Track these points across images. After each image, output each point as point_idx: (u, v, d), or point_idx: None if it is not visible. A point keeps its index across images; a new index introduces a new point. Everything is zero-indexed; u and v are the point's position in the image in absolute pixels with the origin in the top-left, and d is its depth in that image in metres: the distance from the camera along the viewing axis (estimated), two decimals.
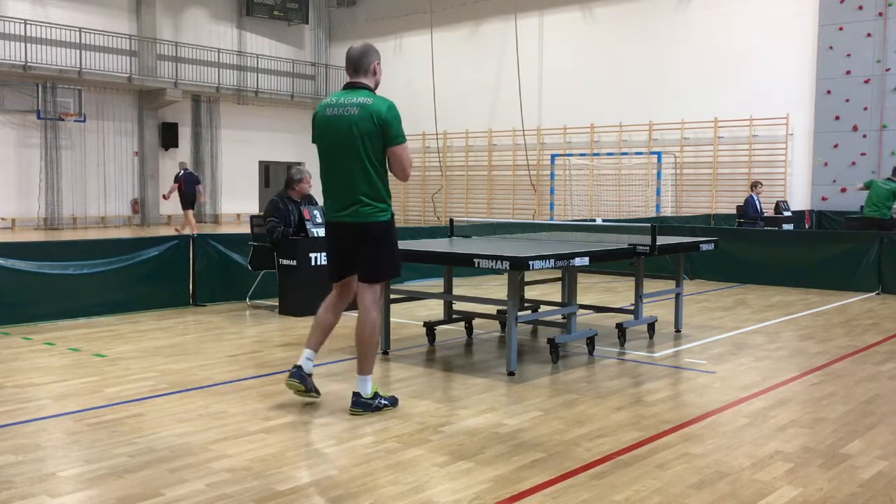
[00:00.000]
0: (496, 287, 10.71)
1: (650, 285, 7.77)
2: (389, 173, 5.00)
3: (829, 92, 19.88)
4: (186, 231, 18.27)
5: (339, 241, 5.05)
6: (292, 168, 9.45)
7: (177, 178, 19.88)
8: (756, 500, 3.62)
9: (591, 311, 8.19)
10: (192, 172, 20.77)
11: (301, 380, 4.98)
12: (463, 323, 7.58)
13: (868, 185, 14.34)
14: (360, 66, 5.00)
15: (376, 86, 5.04)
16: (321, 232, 8.52)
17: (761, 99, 20.89)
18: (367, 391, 4.91)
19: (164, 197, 20.89)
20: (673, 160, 22.45)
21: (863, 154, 19.47)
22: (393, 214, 5.03)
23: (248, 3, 28.41)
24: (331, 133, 4.90)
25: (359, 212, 4.88)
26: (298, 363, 5.03)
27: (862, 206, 14.52)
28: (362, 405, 4.89)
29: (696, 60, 21.98)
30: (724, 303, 9.87)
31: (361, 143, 4.79)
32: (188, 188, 19.62)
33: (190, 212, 19.83)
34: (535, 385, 5.71)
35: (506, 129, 25.98)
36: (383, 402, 4.97)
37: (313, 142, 5.08)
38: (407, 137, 4.92)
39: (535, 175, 25.27)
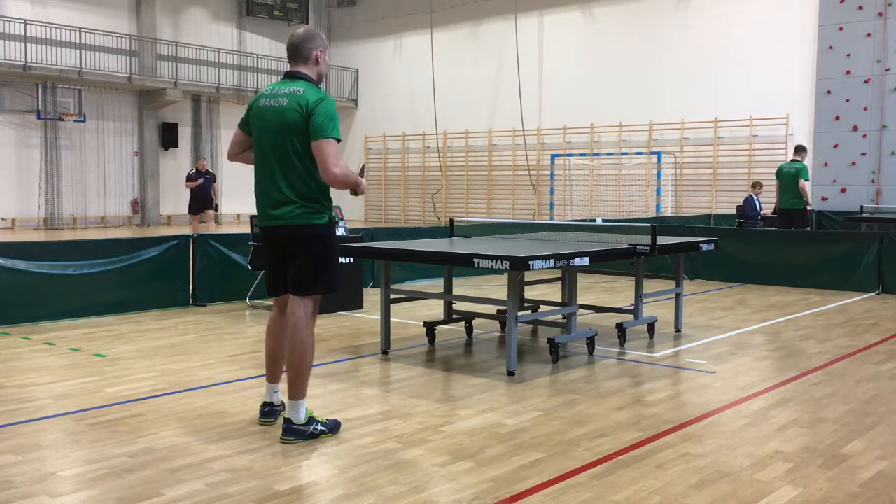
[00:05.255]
0: (496, 287, 10.71)
1: (650, 285, 7.77)
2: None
3: (829, 92, 19.87)
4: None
5: (271, 248, 4.57)
6: None
7: (189, 177, 17.14)
8: (756, 500, 3.62)
9: (591, 311, 8.19)
10: (208, 172, 17.29)
11: (274, 418, 4.69)
12: (463, 323, 7.57)
13: (777, 174, 13.80)
14: (300, 52, 4.50)
15: (320, 78, 4.55)
16: None
17: (761, 99, 20.88)
18: (300, 417, 4.41)
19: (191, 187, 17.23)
20: (673, 160, 22.45)
21: (863, 154, 19.46)
22: (332, 219, 4.51)
23: (248, 3, 28.39)
24: (260, 126, 4.46)
25: (291, 213, 4.38)
26: (267, 399, 4.73)
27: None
28: (294, 433, 4.38)
29: (696, 60, 21.96)
30: (724, 303, 9.87)
31: (288, 137, 4.34)
32: (204, 190, 16.78)
33: (195, 217, 16.92)
34: (535, 385, 5.71)
35: (506, 129, 25.98)
36: (320, 427, 4.45)
37: (239, 125, 4.65)
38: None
39: (535, 175, 25.27)
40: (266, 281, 4.75)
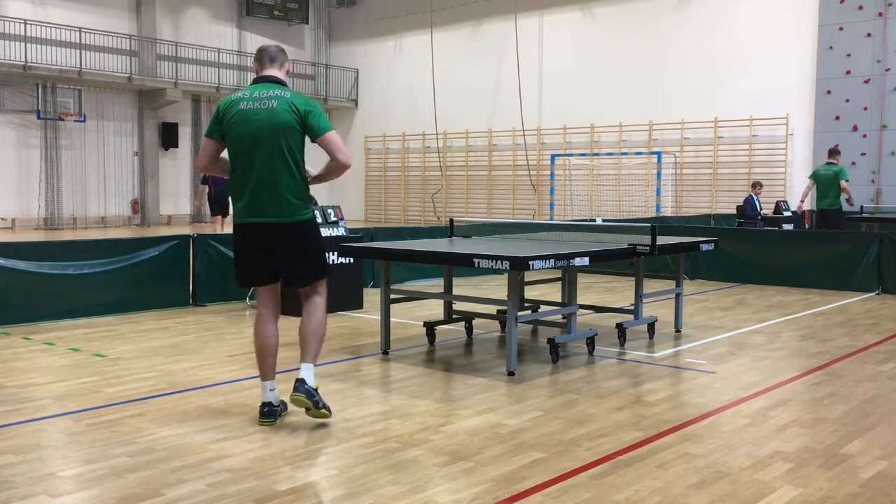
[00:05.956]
0: (496, 287, 10.71)
1: (650, 285, 7.77)
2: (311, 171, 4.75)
3: (829, 92, 19.88)
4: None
5: (256, 243, 4.66)
6: None
7: (204, 179, 15.89)
8: (756, 500, 3.62)
9: (591, 311, 8.18)
10: None
11: (274, 418, 4.67)
12: (463, 323, 7.57)
13: (814, 177, 14.17)
14: (277, 58, 4.78)
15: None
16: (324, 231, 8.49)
17: (761, 99, 20.89)
18: (312, 380, 4.61)
19: (198, 205, 16.60)
20: (673, 160, 22.45)
21: (863, 154, 19.47)
22: (314, 213, 4.81)
23: (248, 3, 28.40)
24: (247, 128, 4.55)
25: (284, 210, 4.57)
26: (265, 399, 4.70)
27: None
28: (307, 392, 4.52)
29: (696, 60, 21.97)
30: (724, 303, 9.86)
31: (283, 137, 4.52)
32: (219, 190, 15.43)
33: (220, 219, 15.78)
34: (535, 385, 5.71)
35: (506, 129, 25.98)
36: (323, 402, 4.60)
37: (208, 136, 4.74)
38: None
39: (535, 175, 25.27)
40: (247, 273, 4.81)
